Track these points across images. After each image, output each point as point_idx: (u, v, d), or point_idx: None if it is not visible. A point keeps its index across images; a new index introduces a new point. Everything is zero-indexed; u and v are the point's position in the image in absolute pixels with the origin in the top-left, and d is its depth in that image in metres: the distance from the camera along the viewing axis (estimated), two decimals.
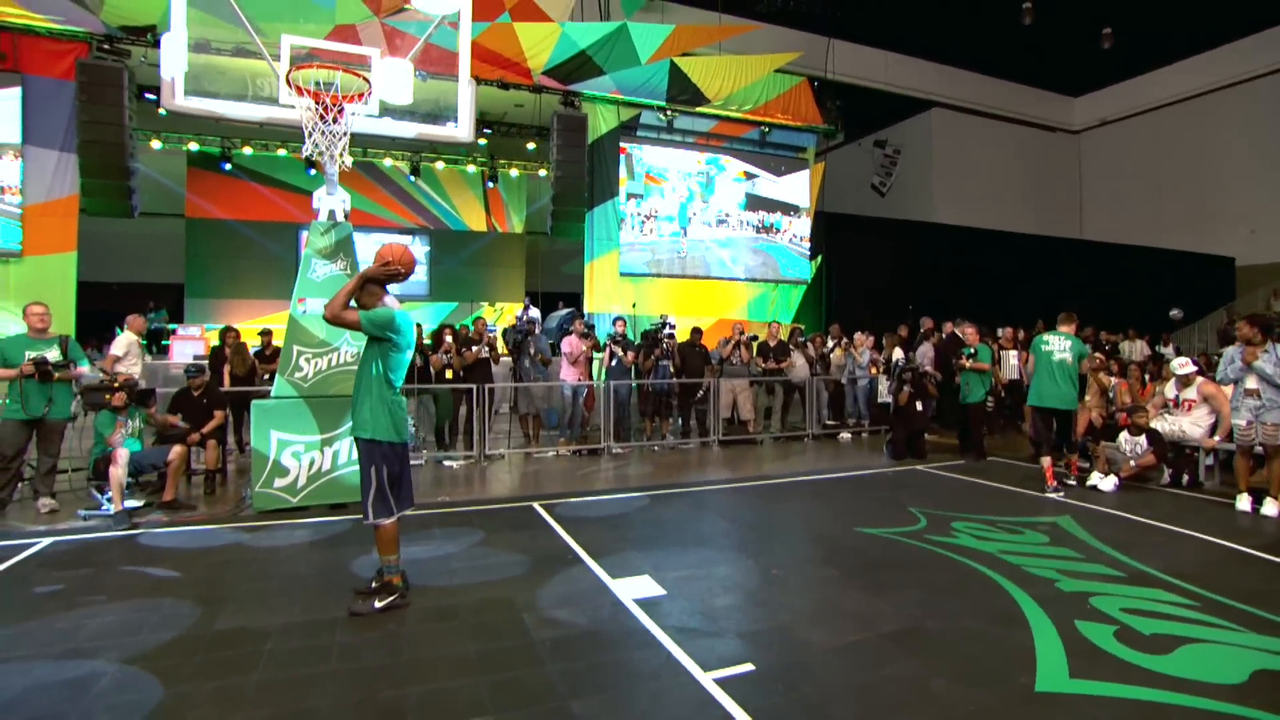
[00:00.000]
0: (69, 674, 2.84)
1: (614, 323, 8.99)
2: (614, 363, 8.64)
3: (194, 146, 13.41)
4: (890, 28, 16.18)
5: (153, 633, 3.23)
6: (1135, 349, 12.72)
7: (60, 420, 5.16)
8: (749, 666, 2.91)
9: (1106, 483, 6.38)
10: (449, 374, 7.86)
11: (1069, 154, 21.04)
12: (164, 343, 12.10)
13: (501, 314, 17.20)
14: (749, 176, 14.10)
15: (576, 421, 8.70)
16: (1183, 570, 4.09)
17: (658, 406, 8.93)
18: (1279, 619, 3.38)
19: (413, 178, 16.05)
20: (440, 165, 16.17)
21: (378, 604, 3.50)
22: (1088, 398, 8.24)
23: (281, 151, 14.14)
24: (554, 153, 12.09)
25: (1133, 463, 6.49)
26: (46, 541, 4.63)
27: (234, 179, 14.18)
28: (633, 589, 3.81)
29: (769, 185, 14.27)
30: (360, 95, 4.80)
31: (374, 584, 3.62)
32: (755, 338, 9.64)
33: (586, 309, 12.83)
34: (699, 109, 13.04)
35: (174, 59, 4.56)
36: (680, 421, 9.36)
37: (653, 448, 8.78)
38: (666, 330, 8.82)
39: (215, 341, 8.39)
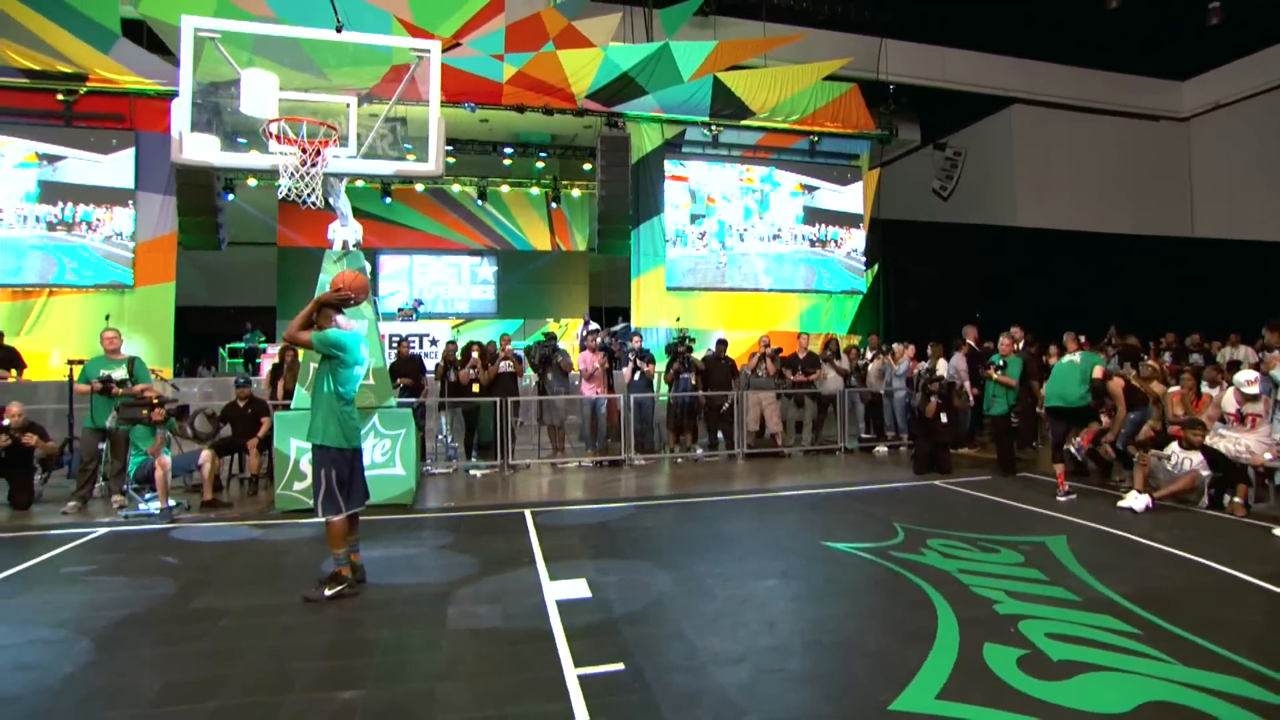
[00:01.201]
0: (59, 635, 3.42)
1: (632, 337, 9.22)
2: (636, 376, 8.87)
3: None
4: (959, 25, 15.49)
5: (137, 607, 3.80)
6: (1238, 355, 11.43)
7: (122, 430, 6.04)
8: (619, 666, 3.05)
9: (1138, 501, 5.87)
10: (475, 388, 8.38)
11: (1176, 143, 19.13)
12: (257, 360, 13.52)
13: (566, 330, 17.83)
14: (806, 189, 13.93)
15: (601, 434, 8.98)
16: (1153, 597, 3.79)
17: (680, 419, 9.06)
18: (1221, 650, 3.11)
19: (480, 201, 17.05)
20: (505, 189, 17.05)
21: (327, 592, 3.91)
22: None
23: (360, 182, 15.48)
24: (599, 172, 12.54)
25: (1180, 483, 5.91)
26: (102, 530, 5.46)
27: (318, 210, 15.64)
28: (563, 591, 4.02)
29: (825, 197, 14.04)
30: (334, 139, 5.35)
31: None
32: (780, 350, 9.56)
33: (634, 324, 13.13)
34: (744, 122, 13.08)
35: (181, 118, 5.30)
36: (707, 434, 9.41)
37: (676, 460, 8.91)
38: (685, 344, 8.95)
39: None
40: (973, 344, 9.48)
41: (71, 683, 2.93)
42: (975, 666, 3.00)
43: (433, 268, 17.30)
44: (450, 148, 14.47)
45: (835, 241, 14.03)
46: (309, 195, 5.21)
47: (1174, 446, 6.24)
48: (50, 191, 10.78)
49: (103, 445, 6.10)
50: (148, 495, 5.81)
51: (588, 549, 4.93)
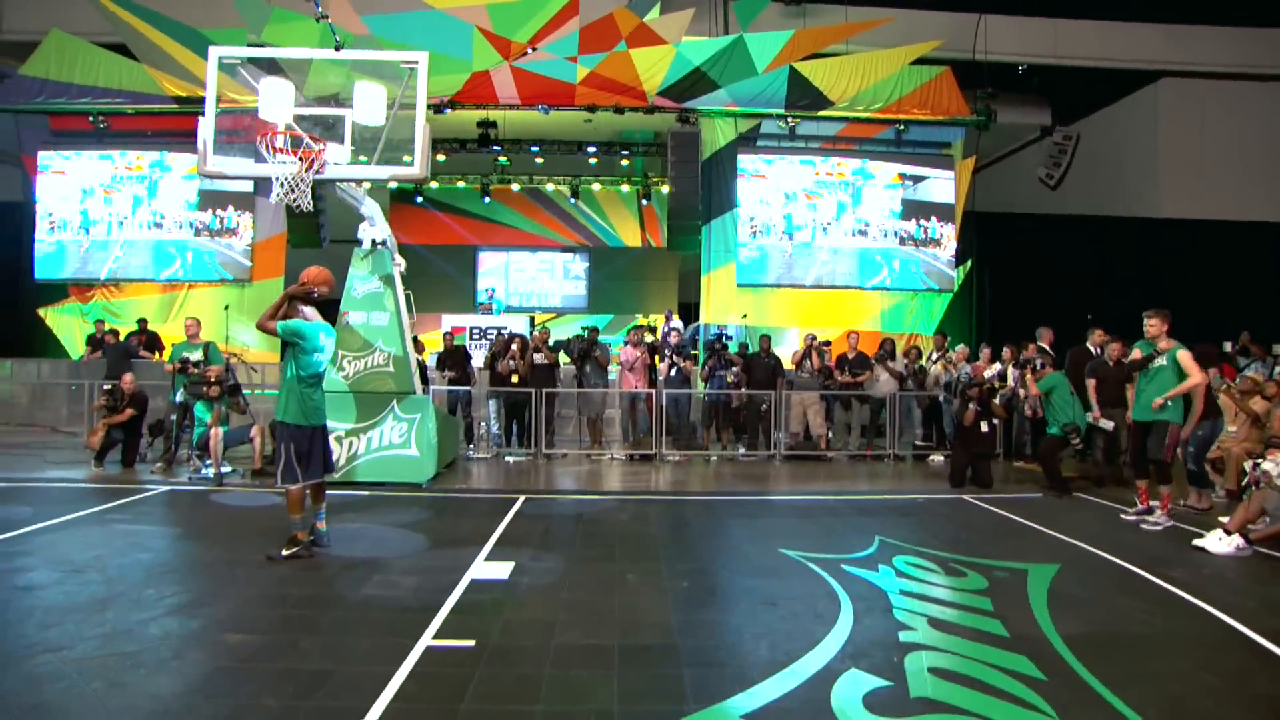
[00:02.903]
0: (63, 566, 4.13)
1: (669, 334, 9.22)
2: (673, 372, 8.88)
3: (393, 185, 16.40)
4: None
5: (133, 554, 4.48)
6: None
7: (190, 403, 7.04)
8: (470, 643, 3.20)
9: (1222, 543, 4.83)
10: (514, 379, 8.79)
11: None
12: None
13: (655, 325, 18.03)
14: (910, 180, 13.06)
15: (640, 428, 9.08)
16: (1100, 642, 3.31)
17: (715, 417, 8.95)
18: (1123, 708, 2.69)
19: (573, 199, 17.65)
20: (597, 186, 17.49)
21: (284, 552, 4.39)
22: (1231, 427, 6.55)
23: (461, 183, 16.64)
24: (668, 169, 12.58)
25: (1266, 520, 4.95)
26: (164, 489, 6.42)
27: (424, 209, 17.05)
28: (485, 571, 4.23)
29: (931, 188, 13.11)
30: (321, 150, 5.85)
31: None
32: (828, 343, 9.15)
33: (702, 320, 13.09)
34: (822, 113, 12.53)
35: (206, 133, 6.07)
36: (746, 434, 9.20)
37: (710, 459, 8.82)
38: (721, 341, 8.81)
39: None
40: (1045, 347, 8.54)
41: (42, 600, 3.57)
42: (815, 692, 2.82)
43: (528, 263, 18.19)
44: (536, 148, 15.15)
45: (936, 240, 13.03)
46: (300, 199, 5.72)
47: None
48: (206, 199, 12.62)
49: (173, 416, 7.16)
50: (208, 461, 6.75)
51: (542, 536, 5.10)
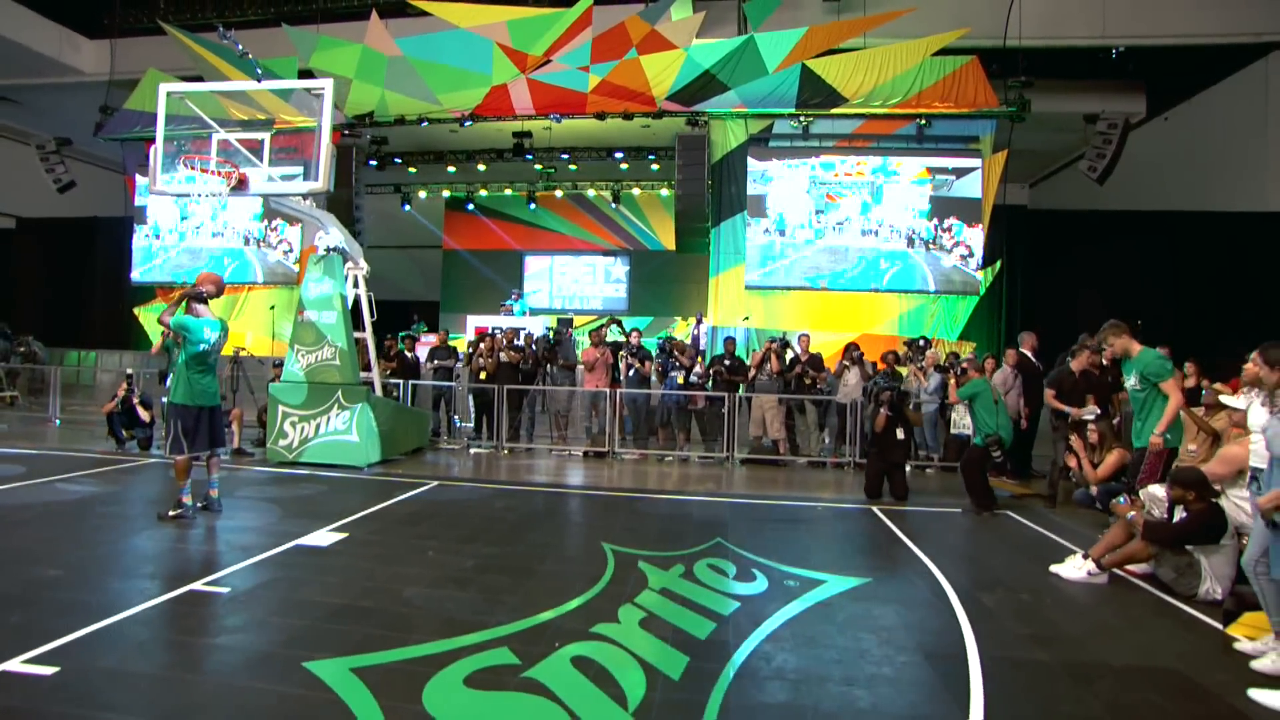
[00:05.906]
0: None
1: (629, 334, 9.40)
2: (631, 373, 9.09)
3: (446, 194, 17.63)
4: None
5: (67, 507, 5.41)
6: None
7: None
8: (226, 590, 3.73)
9: (1075, 570, 4.47)
10: (483, 375, 9.34)
11: None
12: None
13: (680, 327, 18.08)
14: (946, 174, 12.41)
15: (601, 425, 9.34)
16: (771, 655, 3.28)
17: (669, 418, 9.04)
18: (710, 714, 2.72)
19: (615, 204, 18.09)
20: (637, 191, 17.83)
21: (171, 513, 5.13)
22: (1190, 445, 5.87)
23: (508, 191, 17.57)
24: (676, 172, 12.70)
25: (1132, 547, 4.46)
26: (148, 462, 7.54)
27: (474, 217, 18.16)
28: (314, 539, 4.75)
29: (956, 186, 12.39)
30: (234, 173, 6.61)
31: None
32: (786, 344, 8.99)
33: (710, 322, 13.08)
34: (834, 110, 12.16)
35: (155, 158, 7.02)
36: (700, 435, 9.20)
37: (663, 458, 8.93)
38: (671, 341, 8.91)
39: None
40: (1029, 354, 7.92)
41: None
42: (435, 660, 2.99)
43: (571, 267, 18.85)
44: (565, 156, 15.69)
45: (960, 241, 12.27)
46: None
47: (1154, 489, 4.68)
48: (269, 212, 14.26)
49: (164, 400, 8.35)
50: None
51: (402, 516, 5.55)
